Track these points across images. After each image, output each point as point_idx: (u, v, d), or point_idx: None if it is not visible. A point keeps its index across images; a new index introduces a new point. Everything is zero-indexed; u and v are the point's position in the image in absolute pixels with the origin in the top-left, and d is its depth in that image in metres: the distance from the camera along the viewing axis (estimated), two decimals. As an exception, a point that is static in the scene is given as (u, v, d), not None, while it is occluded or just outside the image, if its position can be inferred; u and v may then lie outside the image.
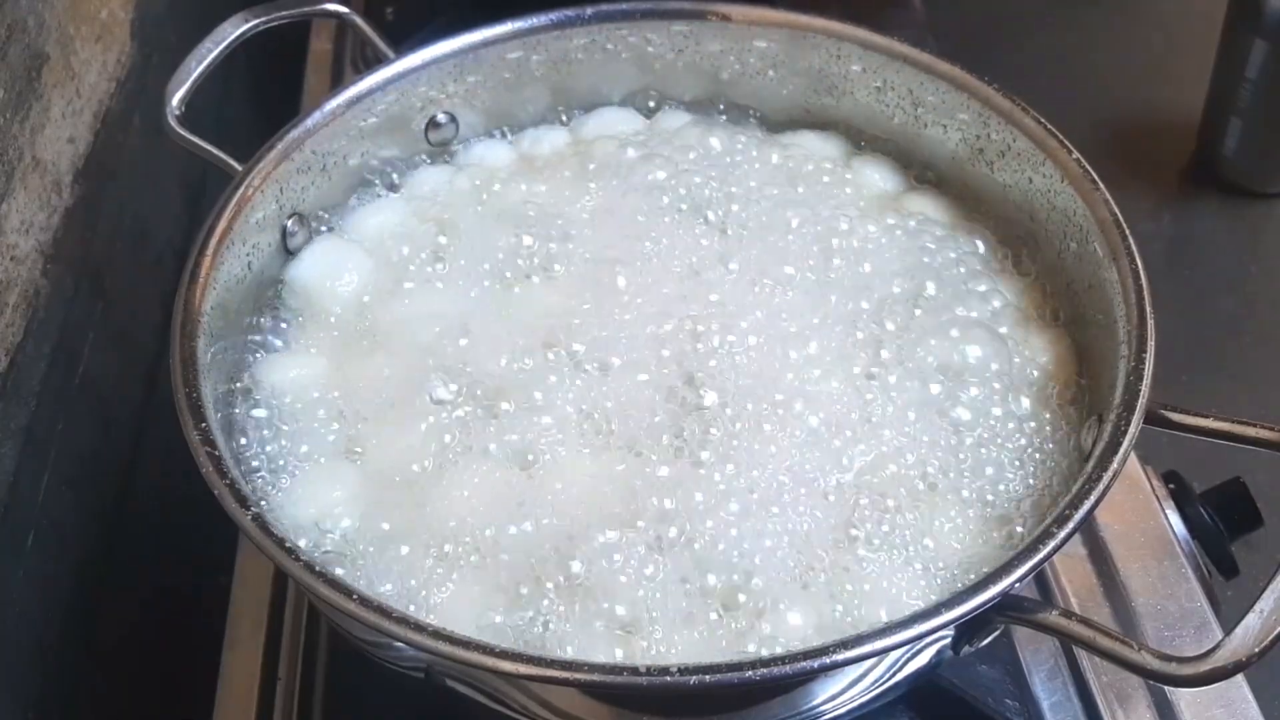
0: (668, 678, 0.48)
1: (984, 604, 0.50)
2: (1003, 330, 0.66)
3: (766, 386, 0.63)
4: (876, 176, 0.75)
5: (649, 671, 0.48)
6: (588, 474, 0.61)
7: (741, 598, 0.56)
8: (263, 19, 0.73)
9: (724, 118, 0.80)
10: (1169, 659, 0.49)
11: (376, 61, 0.75)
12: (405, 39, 0.81)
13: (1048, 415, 0.63)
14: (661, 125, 0.79)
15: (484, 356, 0.66)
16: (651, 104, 0.80)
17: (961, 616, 0.50)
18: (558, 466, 0.61)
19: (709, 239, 0.71)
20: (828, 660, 0.48)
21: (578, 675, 0.48)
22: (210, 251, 0.63)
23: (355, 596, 0.50)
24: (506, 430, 0.62)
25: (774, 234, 0.70)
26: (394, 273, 0.70)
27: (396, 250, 0.71)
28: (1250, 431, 0.56)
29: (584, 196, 0.73)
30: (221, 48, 0.72)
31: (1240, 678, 0.64)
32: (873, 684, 0.56)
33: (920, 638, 0.49)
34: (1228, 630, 0.49)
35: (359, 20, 0.77)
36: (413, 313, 0.69)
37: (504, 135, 0.79)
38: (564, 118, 0.80)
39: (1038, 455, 0.61)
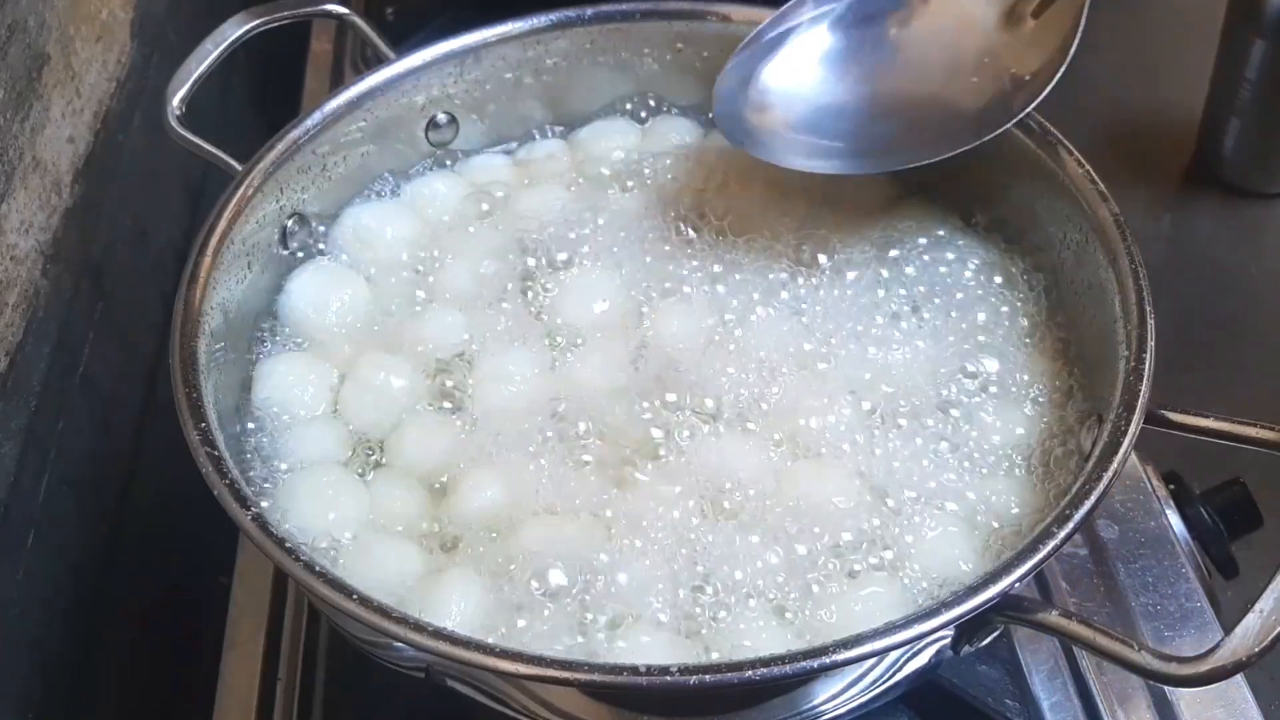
0: (668, 677, 0.48)
1: (984, 604, 0.50)
2: (1000, 332, 0.66)
3: (765, 394, 0.63)
4: (871, 185, 0.74)
5: (649, 671, 0.48)
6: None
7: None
8: (263, 19, 0.73)
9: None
10: (1169, 659, 0.49)
11: (376, 61, 0.75)
12: (405, 39, 0.81)
13: (1045, 416, 0.63)
14: (657, 133, 0.78)
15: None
16: (649, 107, 0.80)
17: (961, 616, 0.50)
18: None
19: (711, 243, 0.71)
20: (828, 660, 0.48)
21: (578, 675, 0.48)
22: (210, 251, 0.63)
23: (355, 596, 0.50)
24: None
25: (771, 243, 0.70)
26: (395, 277, 0.70)
27: (398, 254, 0.71)
28: (1250, 431, 0.56)
29: (581, 207, 0.73)
30: (222, 48, 0.72)
31: (1240, 678, 0.64)
32: (872, 684, 0.56)
33: (920, 638, 0.49)
34: (1228, 630, 0.49)
35: (359, 20, 0.77)
36: (413, 315, 0.69)
37: (504, 142, 0.79)
38: (562, 123, 0.80)
39: (1037, 457, 0.61)
